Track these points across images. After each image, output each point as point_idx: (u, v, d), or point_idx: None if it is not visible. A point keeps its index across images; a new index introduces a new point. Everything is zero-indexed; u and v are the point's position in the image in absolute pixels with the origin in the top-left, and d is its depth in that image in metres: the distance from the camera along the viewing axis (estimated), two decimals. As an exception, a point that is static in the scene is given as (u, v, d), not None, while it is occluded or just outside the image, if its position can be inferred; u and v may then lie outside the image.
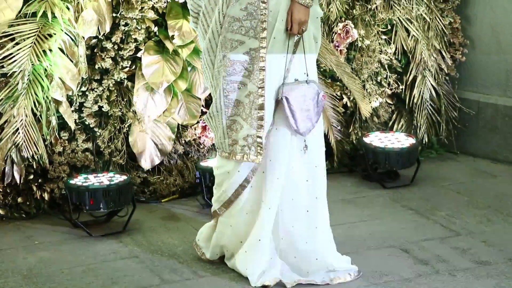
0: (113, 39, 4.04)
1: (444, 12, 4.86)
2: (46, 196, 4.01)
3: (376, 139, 4.51)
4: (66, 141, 4.07)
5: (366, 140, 4.49)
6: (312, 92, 3.24)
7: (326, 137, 4.55)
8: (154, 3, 4.06)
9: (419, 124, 4.80)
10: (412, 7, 4.73)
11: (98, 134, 4.13)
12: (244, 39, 3.22)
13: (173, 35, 4.06)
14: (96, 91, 4.07)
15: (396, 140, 4.50)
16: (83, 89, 4.05)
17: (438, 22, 4.81)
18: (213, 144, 4.15)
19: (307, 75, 3.25)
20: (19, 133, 3.79)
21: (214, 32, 3.27)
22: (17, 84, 3.79)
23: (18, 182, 3.91)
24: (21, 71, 3.80)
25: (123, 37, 4.06)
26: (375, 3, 4.65)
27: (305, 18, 3.19)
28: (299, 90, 3.22)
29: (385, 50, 4.71)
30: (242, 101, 3.26)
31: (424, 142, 4.84)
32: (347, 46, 4.61)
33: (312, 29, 3.28)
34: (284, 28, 3.21)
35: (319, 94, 3.26)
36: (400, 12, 4.71)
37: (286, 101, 3.21)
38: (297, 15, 3.18)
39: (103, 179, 3.88)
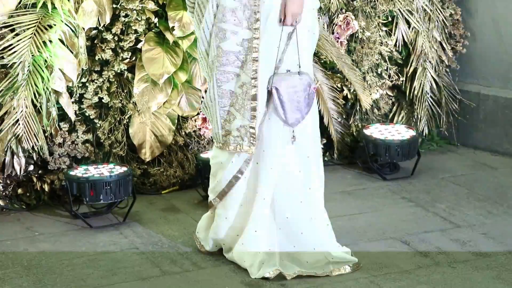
0: (113, 30, 4.03)
1: (445, 4, 4.84)
2: (46, 187, 4.01)
3: (377, 131, 4.50)
4: (66, 133, 4.06)
5: (367, 132, 4.49)
6: (303, 84, 3.23)
7: (326, 129, 4.55)
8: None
9: (419, 116, 4.79)
10: (413, -1, 4.72)
11: (98, 125, 4.12)
12: (237, 30, 3.21)
13: (173, 26, 4.05)
14: (96, 83, 4.06)
15: (396, 132, 4.50)
16: (83, 80, 4.04)
17: (439, 14, 4.80)
18: (213, 136, 4.14)
19: (300, 67, 3.25)
20: (19, 124, 3.79)
21: (208, 22, 3.26)
22: (17, 75, 3.78)
23: (18, 173, 3.91)
24: (21, 62, 3.79)
25: (123, 28, 4.05)
26: (376, -6, 4.64)
27: (299, 10, 3.18)
28: (290, 81, 3.22)
29: (386, 41, 4.70)
30: (236, 92, 3.26)
31: (424, 134, 4.83)
32: (347, 37, 4.60)
33: (307, 21, 3.27)
34: (278, 19, 3.21)
35: (311, 86, 3.25)
36: (401, 3, 4.70)
37: (276, 91, 3.21)
38: (290, 6, 3.17)
39: (103, 170, 3.88)
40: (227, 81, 3.27)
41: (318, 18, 4.47)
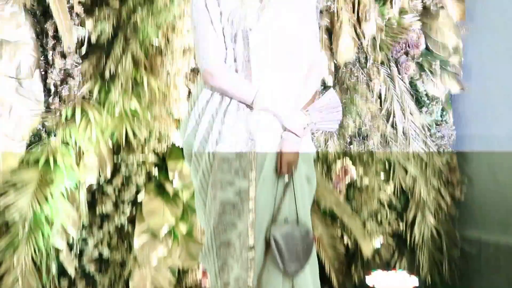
0: (114, 183, 4.03)
1: (441, 147, 4.89)
2: None
3: (379, 280, 4.43)
4: (66, 288, 3.99)
5: (369, 281, 4.42)
6: (301, 233, 3.20)
7: (328, 278, 4.48)
8: (155, 148, 4.08)
9: (421, 264, 4.74)
10: (409, 143, 4.77)
11: (99, 281, 4.04)
12: (234, 179, 3.20)
13: (173, 178, 4.06)
14: (96, 237, 4.02)
15: (399, 282, 4.42)
16: (84, 234, 4.01)
17: (435, 160, 4.84)
18: (215, 289, 4.07)
19: (298, 215, 3.22)
20: (18, 282, 3.72)
21: (204, 172, 3.26)
22: (18, 232, 3.75)
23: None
24: (21, 217, 3.77)
25: (124, 180, 4.05)
26: (372, 139, 4.68)
27: (294, 159, 3.19)
28: (288, 230, 3.18)
29: (384, 187, 4.71)
30: (233, 242, 3.21)
31: (427, 283, 4.75)
32: (346, 185, 4.61)
33: (304, 169, 3.27)
34: (274, 168, 3.20)
35: (309, 235, 3.22)
36: (397, 148, 4.74)
37: (274, 241, 3.17)
38: (286, 156, 3.17)
39: (103, 328, 3.79)
40: (224, 230, 3.23)
41: (316, 165, 4.50)
